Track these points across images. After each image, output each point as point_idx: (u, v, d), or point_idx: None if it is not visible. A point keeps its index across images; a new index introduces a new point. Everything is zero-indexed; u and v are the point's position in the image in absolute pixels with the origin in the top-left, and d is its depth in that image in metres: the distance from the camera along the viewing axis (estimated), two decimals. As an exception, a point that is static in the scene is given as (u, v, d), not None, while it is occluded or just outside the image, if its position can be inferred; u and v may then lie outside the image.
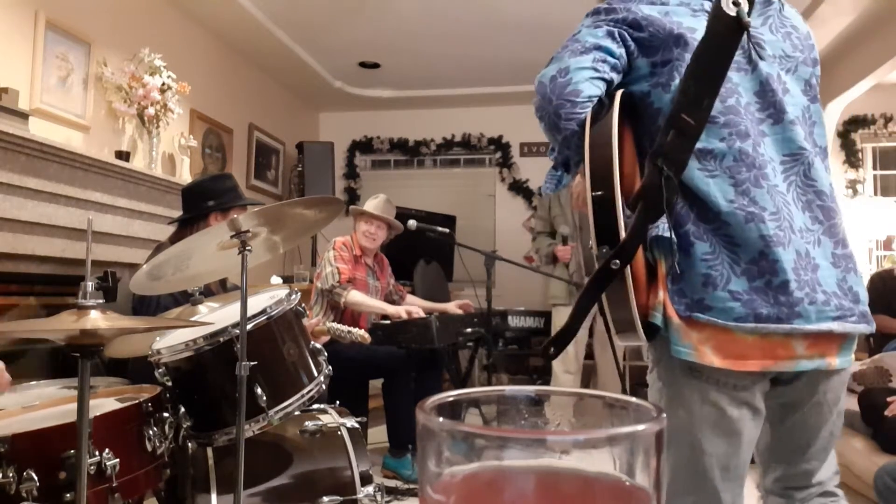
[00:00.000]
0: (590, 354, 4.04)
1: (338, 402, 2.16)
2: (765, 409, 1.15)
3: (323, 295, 3.43)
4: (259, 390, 1.64)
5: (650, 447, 0.40)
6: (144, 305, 2.28)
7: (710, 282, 1.08)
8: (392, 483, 3.08)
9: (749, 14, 1.04)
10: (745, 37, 1.07)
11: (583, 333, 3.79)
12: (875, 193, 5.40)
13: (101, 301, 1.24)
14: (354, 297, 3.33)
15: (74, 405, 1.20)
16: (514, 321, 4.68)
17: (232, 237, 1.63)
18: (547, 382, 4.58)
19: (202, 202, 2.50)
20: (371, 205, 3.57)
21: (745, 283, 1.08)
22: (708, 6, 1.16)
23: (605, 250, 1.04)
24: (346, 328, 2.46)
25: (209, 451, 1.74)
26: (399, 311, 3.33)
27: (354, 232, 3.60)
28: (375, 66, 5.34)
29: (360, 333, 2.47)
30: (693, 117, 1.03)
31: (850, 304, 1.11)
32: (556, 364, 3.81)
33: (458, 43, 4.82)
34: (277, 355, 1.73)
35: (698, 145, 1.07)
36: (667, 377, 1.16)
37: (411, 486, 3.06)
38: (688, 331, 1.09)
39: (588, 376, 4.53)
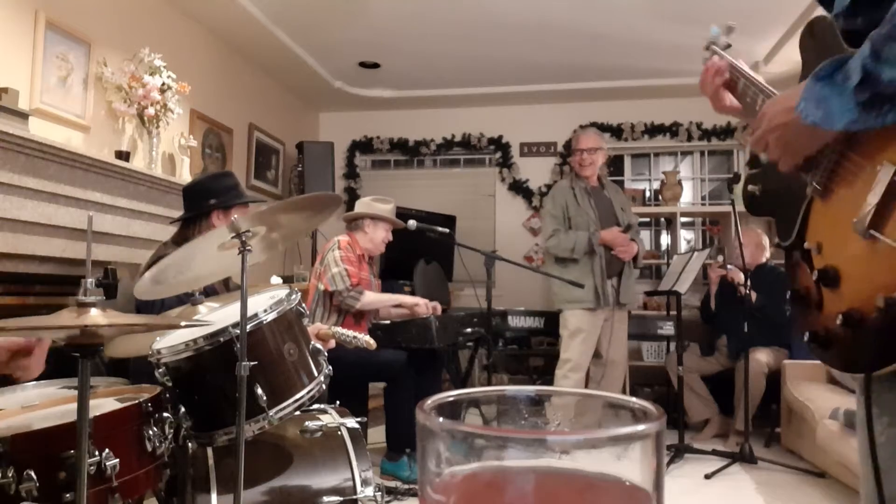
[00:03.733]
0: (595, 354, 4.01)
1: (338, 402, 2.16)
2: None
3: (326, 296, 3.34)
4: (259, 390, 1.64)
5: (650, 447, 0.40)
6: (148, 306, 2.27)
7: None
8: (392, 483, 3.08)
9: None
10: None
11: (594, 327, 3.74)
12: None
13: (101, 298, 1.24)
14: (369, 298, 3.29)
15: (74, 405, 1.20)
16: (514, 321, 4.68)
17: (232, 237, 1.64)
18: (547, 382, 4.58)
19: (204, 200, 2.49)
20: (387, 210, 3.53)
21: None
22: None
23: None
24: (351, 333, 2.44)
25: (209, 451, 1.74)
26: (417, 300, 3.41)
27: (357, 234, 3.52)
28: (375, 66, 5.34)
29: (366, 339, 2.44)
30: None
31: None
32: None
33: (458, 43, 4.82)
34: (277, 355, 1.73)
35: None
36: None
37: (411, 486, 3.06)
38: None
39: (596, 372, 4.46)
